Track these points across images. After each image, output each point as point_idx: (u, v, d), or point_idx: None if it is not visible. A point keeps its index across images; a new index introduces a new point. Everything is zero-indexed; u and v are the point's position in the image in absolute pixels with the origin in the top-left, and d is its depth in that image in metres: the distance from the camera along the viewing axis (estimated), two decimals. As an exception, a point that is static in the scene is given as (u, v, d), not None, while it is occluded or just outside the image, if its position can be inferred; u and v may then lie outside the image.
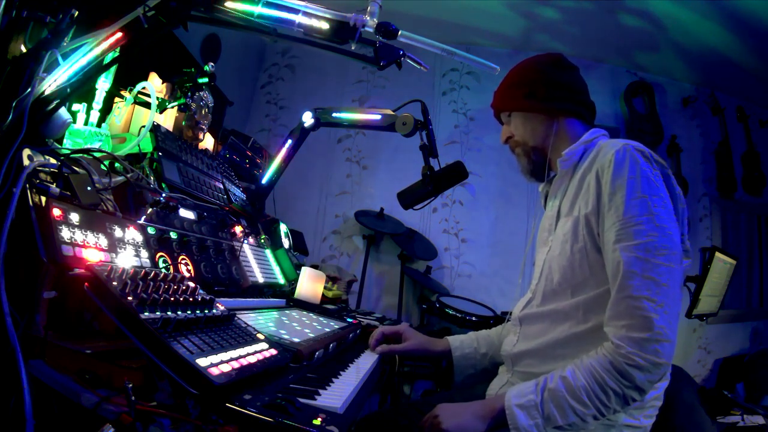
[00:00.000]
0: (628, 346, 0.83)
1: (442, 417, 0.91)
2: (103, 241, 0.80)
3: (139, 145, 1.23)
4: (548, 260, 1.08)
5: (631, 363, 0.82)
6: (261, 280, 1.43)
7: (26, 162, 0.78)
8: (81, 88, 0.93)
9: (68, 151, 0.93)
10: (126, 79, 1.36)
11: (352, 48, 1.00)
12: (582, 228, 0.99)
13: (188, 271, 1.05)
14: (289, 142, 1.81)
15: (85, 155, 0.96)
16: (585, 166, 1.05)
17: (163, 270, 0.92)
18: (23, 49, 0.95)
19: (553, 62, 1.17)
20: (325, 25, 0.95)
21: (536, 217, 1.42)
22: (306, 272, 1.57)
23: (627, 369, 0.82)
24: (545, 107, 1.13)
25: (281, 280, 1.60)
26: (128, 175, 1.01)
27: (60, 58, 0.90)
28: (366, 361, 1.16)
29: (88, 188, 0.86)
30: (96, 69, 0.94)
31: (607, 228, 0.94)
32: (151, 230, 0.97)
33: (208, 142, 1.81)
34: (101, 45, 0.92)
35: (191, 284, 0.80)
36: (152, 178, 1.19)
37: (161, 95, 1.46)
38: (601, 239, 0.96)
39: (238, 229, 1.40)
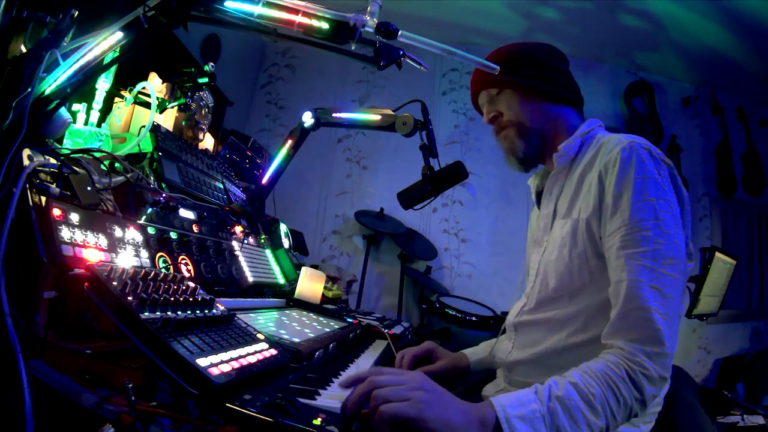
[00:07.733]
0: (641, 354, 0.78)
1: (420, 396, 0.65)
2: (103, 241, 0.80)
3: (139, 145, 1.22)
4: (543, 263, 1.03)
5: (645, 373, 0.77)
6: (261, 280, 1.43)
7: (26, 162, 0.78)
8: (81, 88, 0.93)
9: (68, 151, 0.93)
10: (126, 79, 1.36)
11: (352, 48, 0.99)
12: (582, 232, 0.94)
13: (188, 271, 1.05)
14: (289, 142, 1.81)
15: (85, 155, 0.96)
16: (585, 163, 1.00)
17: (163, 270, 0.92)
18: (23, 49, 0.95)
19: (549, 50, 1.11)
20: (325, 25, 0.94)
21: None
22: (306, 272, 1.57)
23: (640, 379, 0.77)
24: (546, 89, 1.06)
25: (281, 280, 1.60)
26: (128, 175, 1.01)
27: (60, 58, 0.90)
28: (366, 361, 1.16)
29: (88, 188, 0.86)
30: (96, 69, 0.94)
31: (610, 232, 0.88)
32: (151, 230, 0.97)
33: (208, 142, 1.81)
34: (101, 45, 0.92)
35: (191, 284, 0.80)
36: (152, 178, 1.19)
37: (161, 95, 1.46)
38: (603, 244, 0.91)
39: (238, 229, 1.40)
